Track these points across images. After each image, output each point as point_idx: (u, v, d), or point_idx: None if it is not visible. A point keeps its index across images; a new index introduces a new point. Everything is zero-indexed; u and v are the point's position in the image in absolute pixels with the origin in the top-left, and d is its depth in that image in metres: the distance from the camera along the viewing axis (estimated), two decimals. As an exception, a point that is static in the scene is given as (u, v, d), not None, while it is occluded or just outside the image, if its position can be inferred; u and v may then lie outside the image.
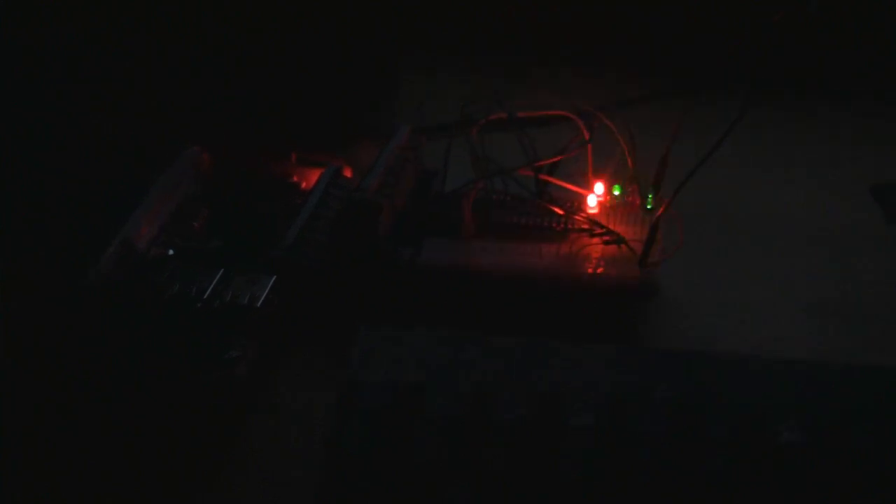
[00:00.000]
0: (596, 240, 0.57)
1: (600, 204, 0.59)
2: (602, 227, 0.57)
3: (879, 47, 0.77)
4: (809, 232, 0.63)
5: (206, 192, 0.61)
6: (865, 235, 0.63)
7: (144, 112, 0.66)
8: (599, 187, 0.59)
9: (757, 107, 0.50)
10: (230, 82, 0.67)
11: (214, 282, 0.54)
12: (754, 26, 0.52)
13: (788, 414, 0.45)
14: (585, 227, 0.58)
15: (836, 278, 0.60)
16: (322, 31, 0.66)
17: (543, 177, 0.58)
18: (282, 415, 0.51)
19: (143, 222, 0.56)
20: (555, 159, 0.58)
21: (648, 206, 0.58)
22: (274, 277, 0.54)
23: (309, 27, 0.65)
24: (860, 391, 0.47)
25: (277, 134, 0.66)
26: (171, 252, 0.56)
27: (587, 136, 0.58)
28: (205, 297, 0.53)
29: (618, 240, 0.57)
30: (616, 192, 0.59)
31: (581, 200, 0.59)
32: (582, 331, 0.54)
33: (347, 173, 0.62)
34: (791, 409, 0.45)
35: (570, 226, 0.58)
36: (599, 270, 0.57)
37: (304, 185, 0.61)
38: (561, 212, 0.58)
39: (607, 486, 0.44)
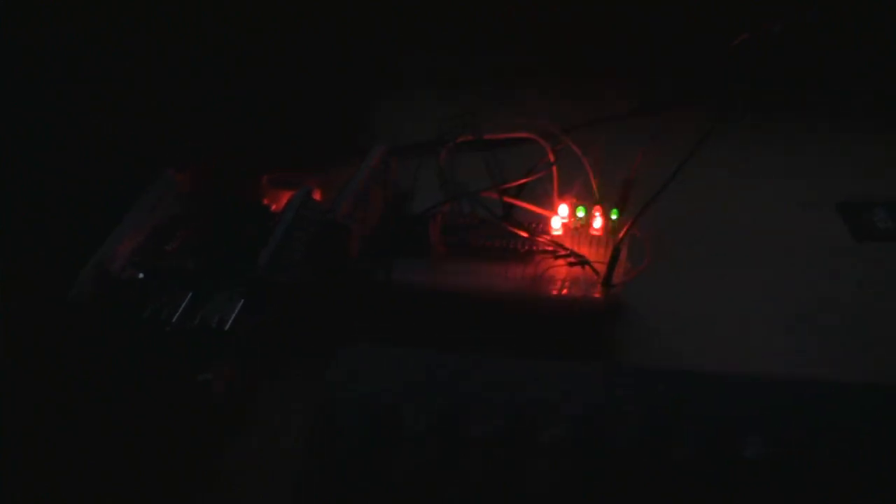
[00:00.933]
0: (560, 261, 0.58)
1: (564, 226, 0.60)
2: (566, 248, 0.58)
3: (847, 64, 0.78)
4: (777, 246, 0.64)
5: (182, 214, 0.61)
6: (833, 250, 0.64)
7: (119, 132, 0.66)
8: (564, 209, 0.60)
9: (723, 126, 0.51)
10: (206, 98, 0.68)
11: (184, 304, 0.54)
12: (722, 46, 0.53)
13: (756, 429, 0.46)
14: (550, 248, 0.59)
15: (804, 292, 0.61)
16: (295, 50, 0.66)
17: (508, 199, 0.59)
18: (272, 426, 0.52)
19: (119, 244, 0.57)
20: (520, 182, 0.59)
21: (613, 228, 0.60)
22: (242, 300, 0.55)
23: (283, 44, 0.66)
24: (828, 407, 0.48)
25: (251, 153, 0.67)
26: (141, 276, 0.56)
27: (552, 158, 0.59)
28: (174, 320, 0.53)
29: (581, 261, 0.58)
30: (581, 214, 0.60)
31: (546, 222, 0.60)
32: (551, 349, 0.55)
33: (317, 195, 0.62)
34: (759, 425, 0.46)
35: (535, 247, 0.59)
36: (564, 292, 0.58)
37: (274, 206, 0.62)
38: (525, 234, 0.59)
39: (578, 502, 0.45)
